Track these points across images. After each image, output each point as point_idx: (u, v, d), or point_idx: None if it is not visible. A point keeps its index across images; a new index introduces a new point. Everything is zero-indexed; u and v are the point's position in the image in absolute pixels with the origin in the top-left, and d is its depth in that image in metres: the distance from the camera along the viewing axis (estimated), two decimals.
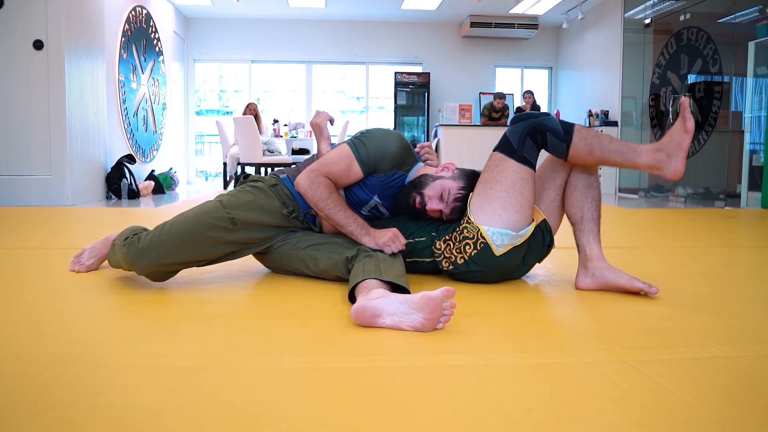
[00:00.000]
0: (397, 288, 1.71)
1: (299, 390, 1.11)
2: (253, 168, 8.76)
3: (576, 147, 1.88)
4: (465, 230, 1.95)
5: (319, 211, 1.99)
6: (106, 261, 2.27)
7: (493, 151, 1.96)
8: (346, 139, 2.22)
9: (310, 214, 2.11)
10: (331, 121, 2.28)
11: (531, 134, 1.89)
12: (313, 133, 10.07)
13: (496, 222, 1.89)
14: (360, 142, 2.04)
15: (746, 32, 6.36)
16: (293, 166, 2.23)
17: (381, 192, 2.11)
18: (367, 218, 2.15)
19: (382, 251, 1.91)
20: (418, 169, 2.13)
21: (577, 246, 2.03)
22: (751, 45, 6.14)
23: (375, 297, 1.55)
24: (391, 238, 1.94)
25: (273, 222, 2.05)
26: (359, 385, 1.14)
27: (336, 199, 1.98)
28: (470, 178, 2.07)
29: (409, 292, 1.69)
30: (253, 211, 2.00)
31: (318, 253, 2.02)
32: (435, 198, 2.03)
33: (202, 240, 1.92)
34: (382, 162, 2.05)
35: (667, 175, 1.80)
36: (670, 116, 7.46)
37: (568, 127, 1.88)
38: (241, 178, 2.17)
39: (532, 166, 1.90)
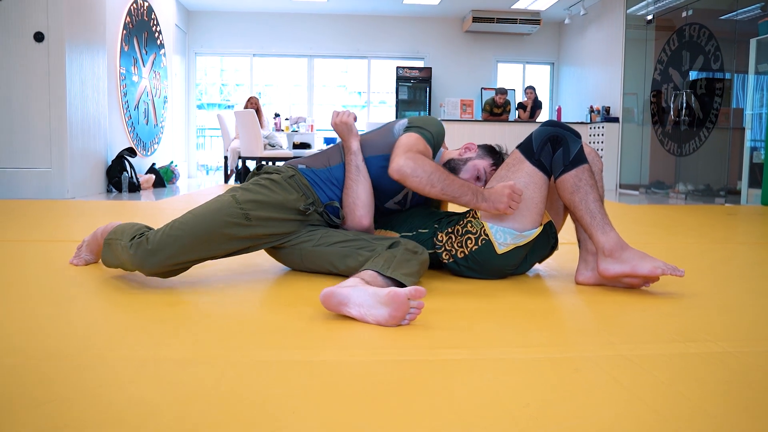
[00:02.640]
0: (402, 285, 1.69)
1: (297, 383, 1.11)
2: (255, 162, 8.76)
3: (567, 178, 1.86)
4: (469, 224, 1.95)
5: (432, 188, 1.84)
6: None
7: (516, 147, 1.96)
8: (383, 126, 2.14)
9: (332, 205, 2.03)
10: (355, 118, 2.15)
11: (552, 141, 1.88)
12: (313, 128, 10.08)
13: (501, 221, 1.90)
14: (418, 128, 2.01)
15: (748, 29, 6.35)
16: (307, 155, 2.15)
17: None
18: (387, 212, 2.16)
19: (434, 237, 1.88)
20: (441, 155, 2.14)
21: (578, 240, 2.03)
22: (753, 42, 6.13)
23: (347, 285, 1.54)
24: (509, 197, 1.83)
25: (289, 217, 1.96)
26: (356, 378, 1.14)
27: (443, 170, 1.87)
28: (494, 153, 2.11)
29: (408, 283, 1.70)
30: (268, 206, 1.92)
31: (346, 249, 1.93)
32: (472, 180, 2.04)
33: (215, 238, 1.83)
34: (441, 142, 2.07)
35: (599, 266, 1.86)
36: (671, 112, 7.45)
37: (578, 160, 1.87)
38: (254, 170, 2.08)
39: (547, 172, 1.90)
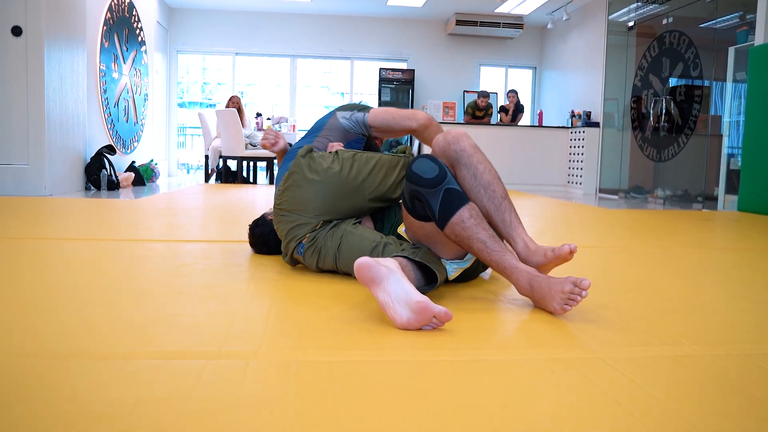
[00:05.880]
0: (428, 276, 1.75)
1: (277, 383, 1.10)
2: (235, 161, 8.71)
3: (445, 234, 1.71)
4: None
5: (439, 129, 2.15)
6: None
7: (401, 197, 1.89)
8: (340, 112, 2.30)
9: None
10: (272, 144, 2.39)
11: (416, 198, 1.74)
12: (295, 128, 10.06)
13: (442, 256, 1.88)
14: (363, 108, 2.26)
15: (727, 37, 6.44)
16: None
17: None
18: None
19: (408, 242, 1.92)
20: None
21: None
22: (731, 50, 6.22)
23: (387, 264, 1.50)
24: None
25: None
26: (336, 378, 1.14)
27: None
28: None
29: (436, 279, 1.73)
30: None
31: (378, 242, 1.93)
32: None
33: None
34: None
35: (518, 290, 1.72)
36: (651, 118, 7.54)
37: (445, 216, 1.67)
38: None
39: (432, 219, 1.72)
